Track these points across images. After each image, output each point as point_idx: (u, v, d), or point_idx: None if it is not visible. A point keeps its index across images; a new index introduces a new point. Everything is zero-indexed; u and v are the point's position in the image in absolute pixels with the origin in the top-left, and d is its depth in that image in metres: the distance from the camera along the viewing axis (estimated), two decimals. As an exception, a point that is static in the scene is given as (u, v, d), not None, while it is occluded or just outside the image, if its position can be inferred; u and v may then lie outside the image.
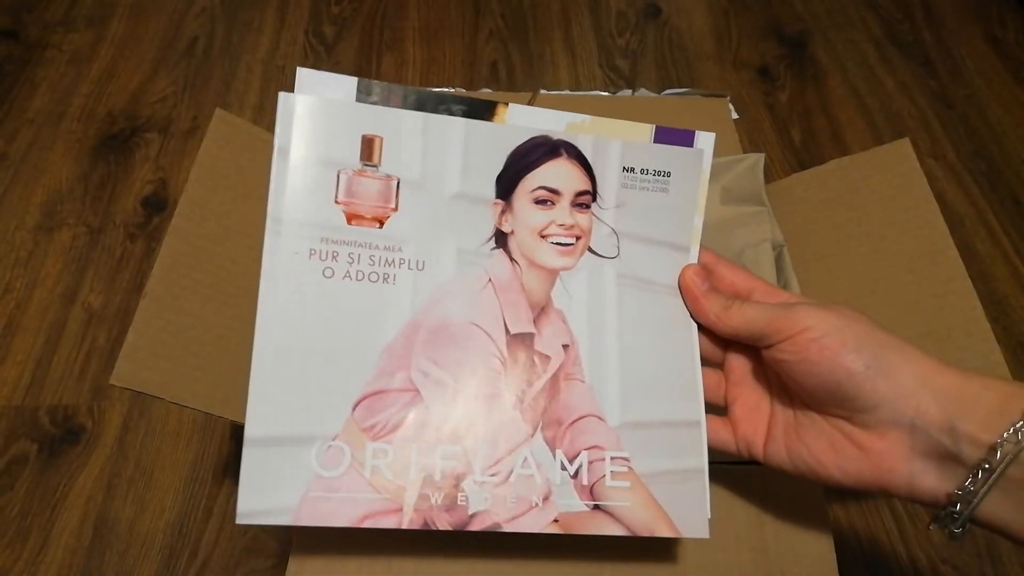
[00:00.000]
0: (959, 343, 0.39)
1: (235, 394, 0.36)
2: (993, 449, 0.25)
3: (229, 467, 0.57)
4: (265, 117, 0.80)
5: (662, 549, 0.35)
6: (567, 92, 0.86)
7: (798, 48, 0.94)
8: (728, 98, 0.55)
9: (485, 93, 0.63)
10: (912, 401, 0.27)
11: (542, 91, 0.54)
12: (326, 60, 0.87)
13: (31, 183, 0.73)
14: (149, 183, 0.75)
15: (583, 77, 0.89)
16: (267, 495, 0.28)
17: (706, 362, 0.34)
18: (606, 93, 0.57)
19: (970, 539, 0.56)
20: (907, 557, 0.55)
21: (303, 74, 0.31)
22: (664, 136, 0.34)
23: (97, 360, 0.62)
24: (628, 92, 0.55)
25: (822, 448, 0.29)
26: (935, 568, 0.55)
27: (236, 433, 0.59)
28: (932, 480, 0.27)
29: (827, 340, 0.28)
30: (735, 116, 0.54)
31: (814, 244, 0.46)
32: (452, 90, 0.59)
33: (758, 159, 0.48)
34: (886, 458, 0.27)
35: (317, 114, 0.31)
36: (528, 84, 0.88)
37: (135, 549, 0.53)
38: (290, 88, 0.31)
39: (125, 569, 0.52)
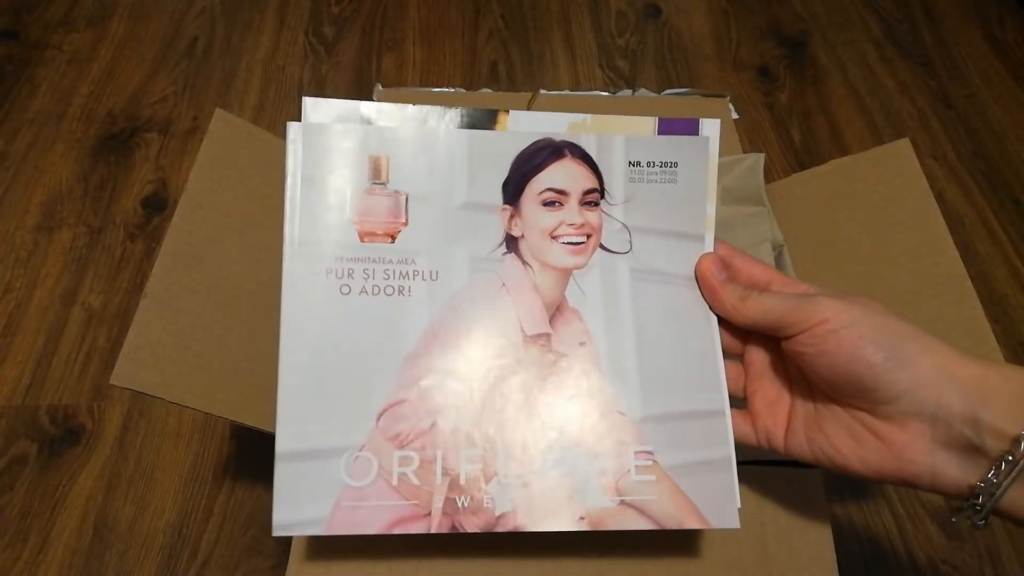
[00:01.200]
0: (959, 343, 0.38)
1: (235, 394, 0.36)
2: (1017, 441, 0.25)
3: (229, 467, 0.57)
4: (265, 117, 0.80)
5: (661, 548, 0.35)
6: (567, 92, 0.86)
7: (798, 48, 0.94)
8: (728, 98, 0.55)
9: (485, 93, 0.63)
10: (933, 392, 0.27)
11: (542, 91, 0.54)
12: (326, 60, 0.87)
13: (31, 183, 0.73)
14: (149, 183, 0.75)
15: (583, 77, 0.89)
16: (300, 507, 0.29)
17: (726, 355, 0.34)
18: (606, 93, 0.57)
19: (969, 539, 0.56)
20: (907, 556, 0.55)
21: (309, 103, 0.32)
22: (668, 127, 0.34)
23: (97, 360, 0.62)
24: (628, 92, 0.55)
25: (843, 440, 0.29)
26: (935, 568, 0.55)
27: (236, 433, 0.59)
28: (954, 472, 0.27)
29: (845, 332, 0.28)
30: (735, 116, 0.54)
31: (814, 244, 0.46)
32: (452, 90, 0.59)
33: (758, 159, 0.48)
34: (907, 450, 0.27)
35: (324, 139, 0.32)
36: (528, 84, 0.88)
37: (135, 549, 0.53)
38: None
39: (125, 569, 0.52)
